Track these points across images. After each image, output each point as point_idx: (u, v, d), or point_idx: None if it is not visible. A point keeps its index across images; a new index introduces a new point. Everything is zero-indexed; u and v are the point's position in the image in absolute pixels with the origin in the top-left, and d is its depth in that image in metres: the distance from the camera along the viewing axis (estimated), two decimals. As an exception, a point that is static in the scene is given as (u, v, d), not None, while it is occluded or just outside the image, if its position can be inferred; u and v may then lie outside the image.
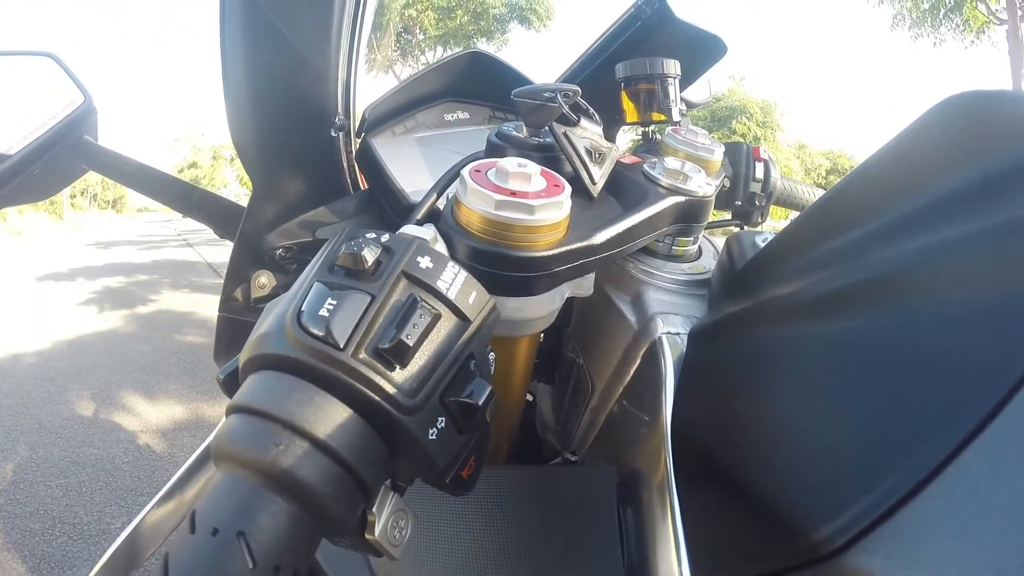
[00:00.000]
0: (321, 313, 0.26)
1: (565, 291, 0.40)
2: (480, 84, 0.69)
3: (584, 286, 0.42)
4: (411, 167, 0.63)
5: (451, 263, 0.29)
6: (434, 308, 0.27)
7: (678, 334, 0.40)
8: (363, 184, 0.68)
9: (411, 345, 0.26)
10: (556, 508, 0.43)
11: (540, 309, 0.38)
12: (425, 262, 0.28)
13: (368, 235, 0.28)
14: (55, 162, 0.56)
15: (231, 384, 0.29)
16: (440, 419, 0.27)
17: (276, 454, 0.24)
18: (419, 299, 0.27)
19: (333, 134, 0.62)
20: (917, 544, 0.17)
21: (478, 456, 0.31)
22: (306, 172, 0.64)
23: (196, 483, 0.53)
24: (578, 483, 0.44)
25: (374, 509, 0.28)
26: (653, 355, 0.40)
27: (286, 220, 0.65)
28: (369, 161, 0.62)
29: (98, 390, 3.32)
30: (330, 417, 0.25)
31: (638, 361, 0.42)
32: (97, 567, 0.43)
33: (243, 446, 0.25)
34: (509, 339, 0.41)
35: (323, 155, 0.63)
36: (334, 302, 0.26)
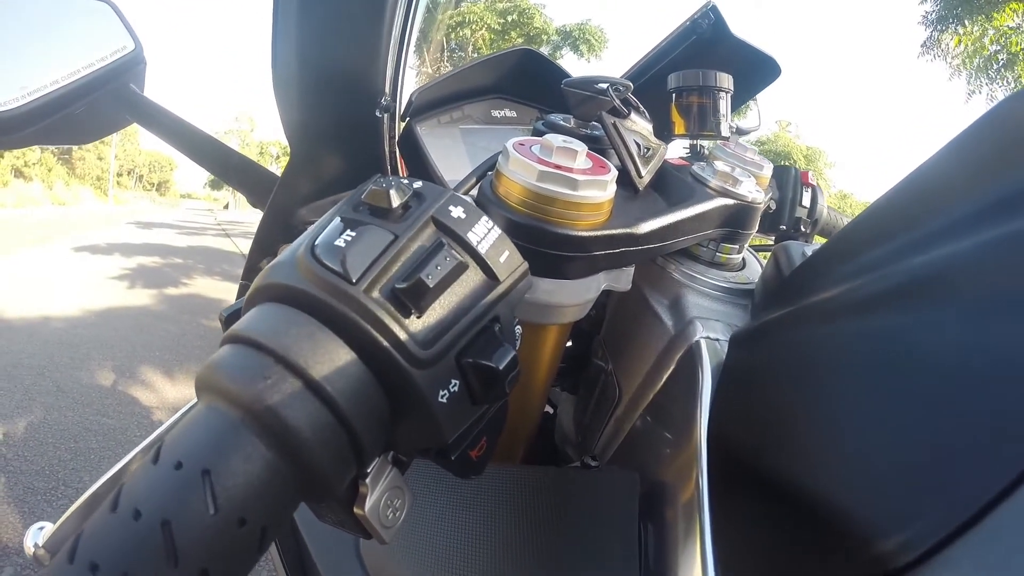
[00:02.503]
0: (337, 243, 0.23)
1: (601, 282, 0.38)
2: (529, 83, 0.68)
3: (622, 280, 0.40)
4: (453, 158, 0.63)
5: (485, 217, 0.26)
6: (460, 256, 0.24)
7: (717, 340, 0.38)
8: (402, 171, 0.68)
9: (431, 287, 0.23)
10: (572, 512, 0.40)
11: (574, 296, 0.36)
12: (457, 212, 0.25)
13: (399, 178, 0.26)
14: (98, 106, 0.56)
15: (232, 322, 0.26)
16: (454, 381, 0.24)
17: (262, 388, 0.21)
18: (445, 244, 0.24)
19: (378, 114, 0.61)
20: (1004, 557, 0.15)
21: (491, 437, 0.28)
22: (345, 149, 0.63)
23: None
24: (598, 487, 0.41)
25: (368, 480, 0.25)
26: (689, 360, 0.37)
27: (319, 196, 0.65)
28: (412, 146, 0.61)
29: (120, 362, 3.38)
30: (330, 357, 0.22)
31: (672, 366, 0.39)
32: (70, 511, 0.42)
33: (228, 375, 0.22)
34: (537, 326, 0.39)
35: (365, 135, 0.63)
36: (352, 234, 0.24)
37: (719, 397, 0.34)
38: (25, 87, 0.50)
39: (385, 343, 0.22)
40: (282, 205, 0.63)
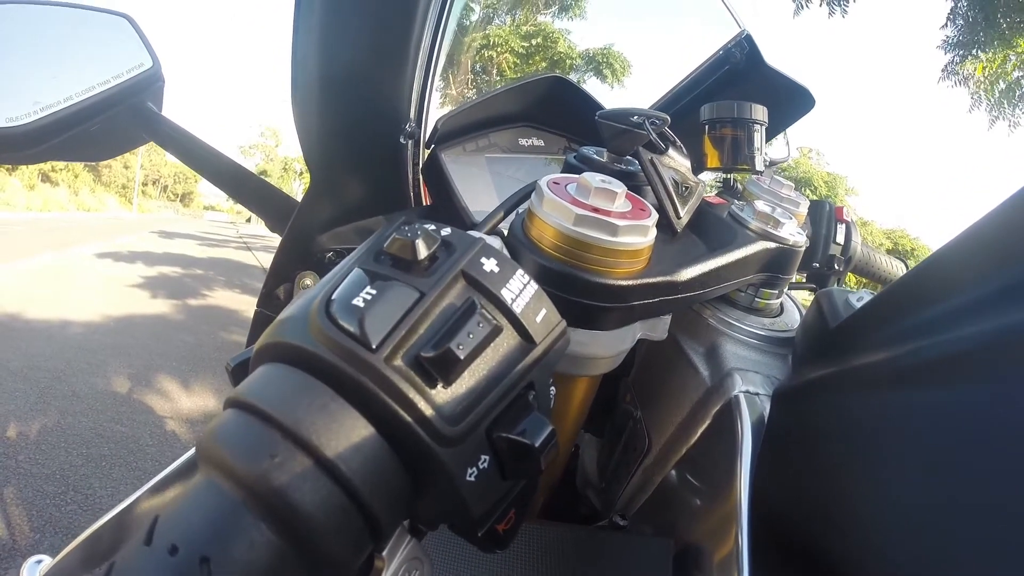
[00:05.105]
0: (355, 303, 0.21)
1: (637, 332, 0.36)
2: (558, 111, 0.66)
3: (658, 329, 0.38)
4: (479, 187, 0.61)
5: (520, 271, 0.24)
6: (494, 319, 0.22)
7: (757, 394, 0.35)
8: (426, 199, 0.66)
9: (461, 358, 0.20)
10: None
11: (609, 347, 0.34)
12: (490, 265, 0.23)
13: (426, 224, 0.23)
14: (114, 123, 0.55)
15: (239, 375, 0.24)
16: (483, 458, 0.22)
17: (268, 467, 0.19)
18: (478, 306, 0.22)
19: (402, 140, 0.60)
20: None
21: (519, 509, 0.26)
22: (368, 175, 0.62)
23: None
24: (629, 552, 0.38)
25: (384, 553, 0.23)
26: (728, 415, 0.35)
27: (340, 224, 0.63)
28: (436, 174, 0.60)
29: (137, 370, 3.40)
30: (345, 432, 0.20)
31: (708, 421, 0.37)
32: (55, 561, 0.40)
33: (230, 449, 0.20)
34: (568, 377, 0.37)
35: (388, 161, 0.62)
36: (373, 292, 0.21)
37: (762, 457, 0.31)
38: (39, 102, 0.49)
39: (408, 419, 0.20)
40: (301, 231, 0.61)
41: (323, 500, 0.19)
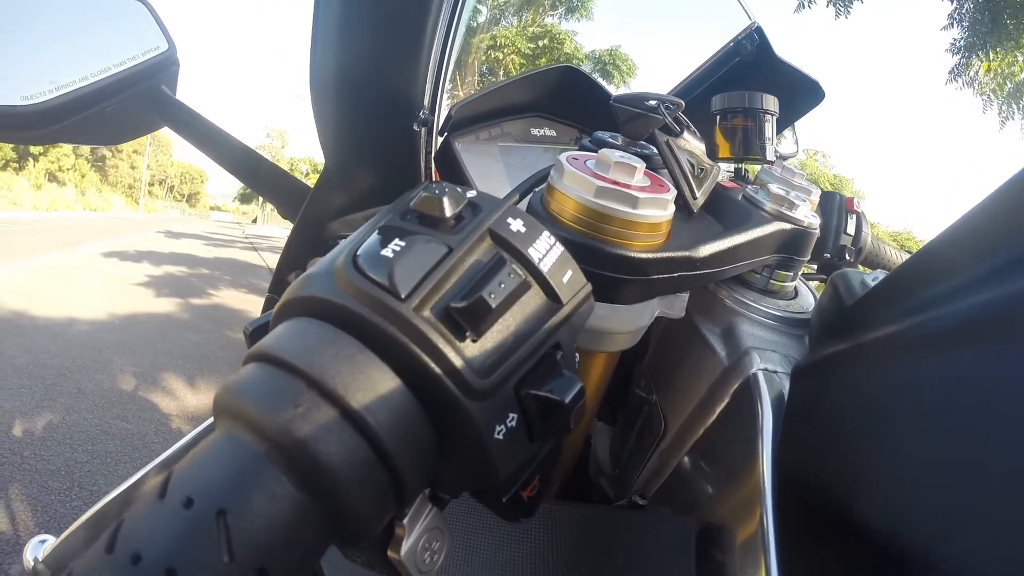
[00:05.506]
0: (384, 254, 0.20)
1: (655, 309, 0.36)
2: (570, 102, 0.67)
3: (676, 306, 0.38)
4: (492, 175, 0.61)
5: (547, 232, 0.23)
6: (522, 275, 0.21)
7: (776, 372, 0.35)
8: None
9: (493, 307, 0.20)
10: (621, 555, 0.37)
11: (627, 323, 0.34)
12: (517, 225, 0.23)
13: (452, 185, 0.23)
14: (128, 106, 0.55)
15: (258, 339, 0.23)
16: (511, 416, 0.21)
17: (292, 416, 0.18)
18: (507, 260, 0.21)
19: (415, 128, 0.60)
20: None
21: (544, 476, 0.25)
22: (381, 162, 0.62)
23: None
24: (649, 530, 0.38)
25: (406, 520, 0.23)
26: (746, 393, 0.35)
27: (352, 210, 0.64)
28: (449, 162, 0.60)
29: (142, 368, 3.41)
30: (372, 384, 0.19)
31: (727, 400, 0.37)
32: (58, 540, 0.40)
33: (251, 399, 0.19)
34: (586, 353, 0.37)
35: (401, 148, 0.62)
36: (402, 244, 0.21)
37: (787, 434, 0.31)
38: (54, 81, 0.49)
39: (437, 370, 0.20)
40: (313, 217, 0.62)
41: (348, 453, 0.19)
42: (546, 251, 0.23)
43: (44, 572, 0.39)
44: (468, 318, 0.20)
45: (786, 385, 0.34)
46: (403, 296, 0.20)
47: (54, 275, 5.93)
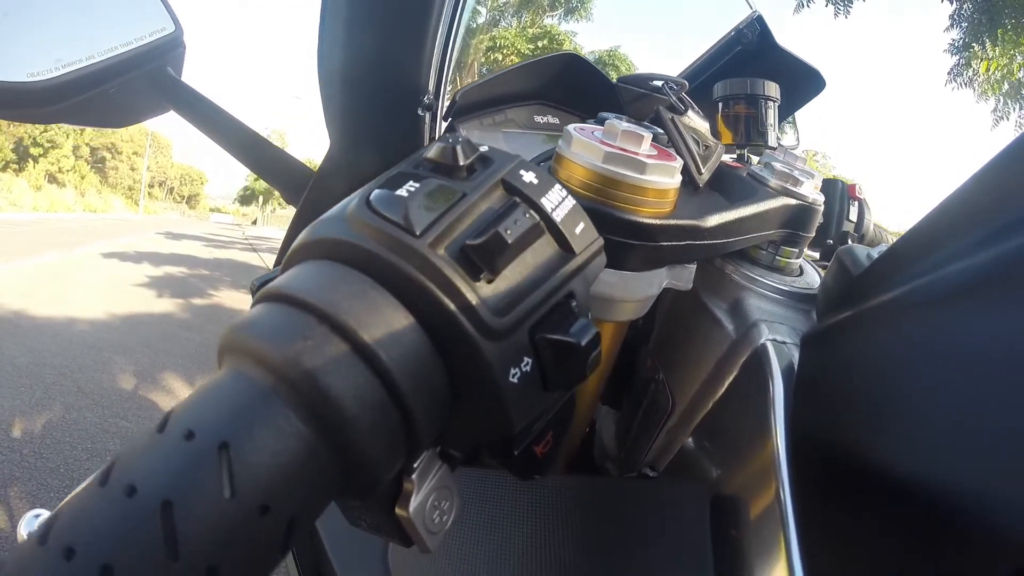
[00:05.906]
0: (398, 194, 0.20)
1: (664, 279, 0.36)
2: (574, 90, 0.67)
3: (683, 277, 0.38)
4: None
5: (559, 185, 0.23)
6: (536, 218, 0.21)
7: (785, 343, 0.35)
8: None
9: (509, 243, 0.19)
10: (633, 525, 0.37)
11: (636, 290, 0.34)
12: (529, 176, 0.22)
13: (467, 138, 0.23)
14: (133, 87, 0.54)
15: None
16: (526, 360, 0.20)
17: (301, 348, 0.17)
18: (519, 203, 0.21)
19: (420, 112, 0.61)
20: None
21: (557, 432, 0.25)
22: (385, 146, 0.63)
23: None
24: (661, 498, 0.38)
25: (415, 476, 0.22)
26: (756, 365, 0.35)
27: None
28: None
29: (142, 368, 3.41)
30: (385, 320, 0.18)
31: (735, 372, 0.37)
32: (68, 499, 0.40)
33: (258, 333, 0.18)
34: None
35: (406, 133, 0.62)
36: (416, 185, 0.20)
37: (795, 401, 0.31)
38: (61, 59, 0.49)
39: (452, 307, 0.19)
40: (317, 201, 0.62)
41: (359, 389, 0.18)
42: (559, 202, 0.23)
43: None
44: (483, 256, 0.19)
45: (795, 355, 0.34)
46: (418, 233, 0.19)
47: (54, 275, 5.94)
